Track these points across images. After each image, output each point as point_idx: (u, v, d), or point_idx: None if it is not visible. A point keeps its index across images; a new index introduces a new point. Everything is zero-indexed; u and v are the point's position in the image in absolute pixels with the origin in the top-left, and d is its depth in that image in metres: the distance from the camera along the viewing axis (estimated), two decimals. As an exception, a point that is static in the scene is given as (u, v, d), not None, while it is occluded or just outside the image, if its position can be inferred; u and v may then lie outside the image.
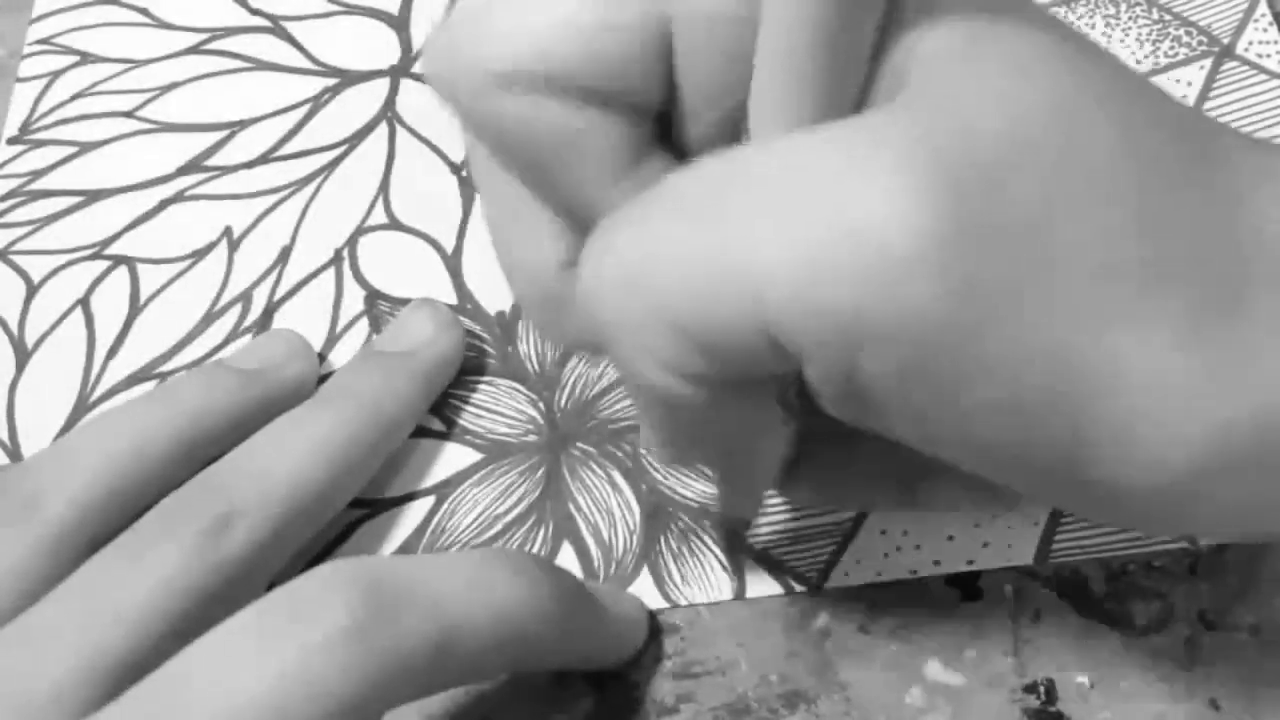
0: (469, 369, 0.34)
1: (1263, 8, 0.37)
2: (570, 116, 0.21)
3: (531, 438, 0.33)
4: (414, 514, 0.32)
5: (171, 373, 0.36)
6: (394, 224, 0.38)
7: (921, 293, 0.18)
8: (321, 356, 0.35)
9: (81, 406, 0.35)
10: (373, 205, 0.38)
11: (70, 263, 0.39)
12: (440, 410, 0.34)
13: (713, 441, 0.23)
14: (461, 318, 0.35)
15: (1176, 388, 0.18)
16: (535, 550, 0.31)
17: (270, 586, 0.25)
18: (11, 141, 0.42)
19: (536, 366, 0.34)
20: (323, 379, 0.34)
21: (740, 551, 0.30)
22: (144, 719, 0.23)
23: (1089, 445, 0.19)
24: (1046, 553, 0.29)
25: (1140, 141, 0.19)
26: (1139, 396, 0.18)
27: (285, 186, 0.39)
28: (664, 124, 0.22)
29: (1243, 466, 0.19)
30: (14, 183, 0.41)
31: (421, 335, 0.33)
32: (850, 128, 0.19)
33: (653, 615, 0.30)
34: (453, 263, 0.37)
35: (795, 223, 0.18)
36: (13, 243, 0.39)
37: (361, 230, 0.38)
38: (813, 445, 0.27)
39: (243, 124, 0.41)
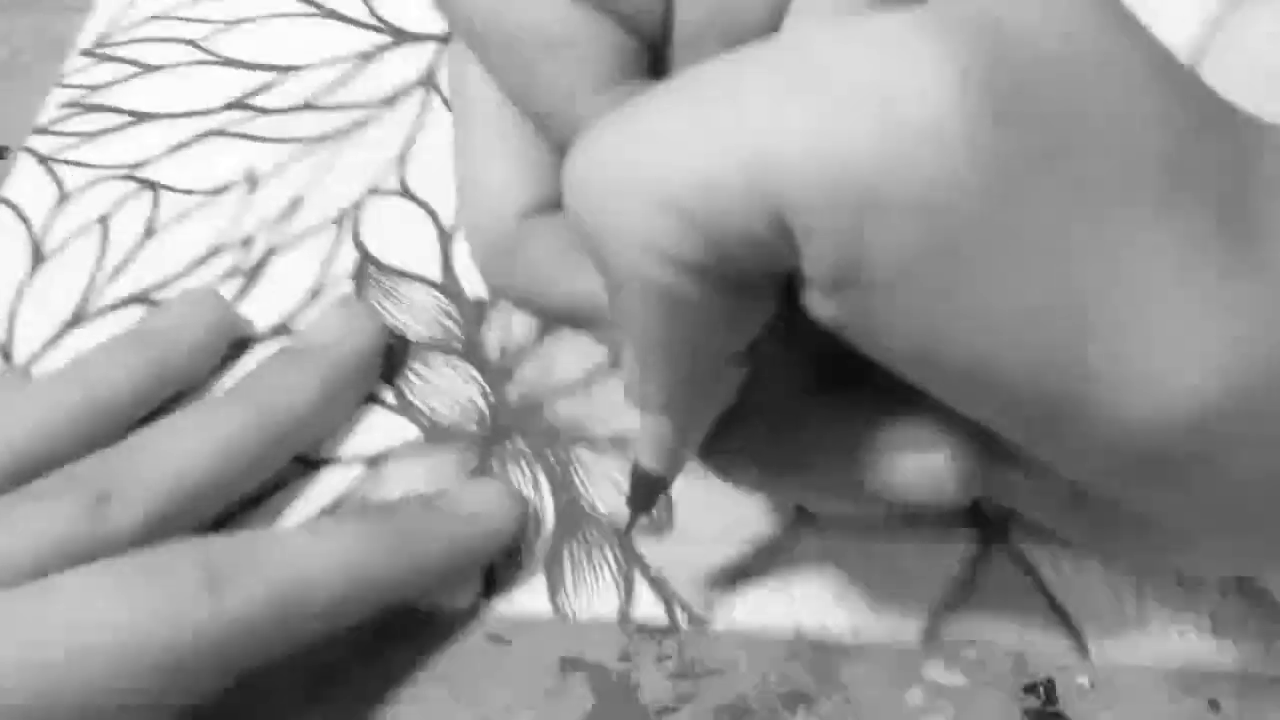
0: (434, 346, 0.35)
1: None
2: (568, 13, 0.21)
3: (473, 427, 0.34)
4: (341, 478, 0.33)
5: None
6: (404, 192, 0.39)
7: (946, 162, 0.17)
8: (302, 310, 0.37)
9: (77, 318, 0.37)
10: (388, 170, 0.39)
11: (102, 179, 0.41)
12: (394, 382, 0.35)
13: (693, 363, 0.22)
14: (440, 295, 0.36)
15: (1200, 313, 0.18)
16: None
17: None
18: (84, 54, 0.44)
19: (498, 355, 0.35)
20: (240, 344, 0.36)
21: (643, 508, 0.29)
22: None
23: (1099, 365, 0.18)
24: (936, 631, 0.29)
25: (1169, 82, 0.19)
26: (1160, 316, 0.18)
27: (314, 138, 0.41)
28: (656, 57, 0.22)
29: (1260, 411, 0.19)
30: (75, 94, 0.43)
31: (333, 333, 0.34)
32: (884, 14, 0.19)
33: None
34: (445, 239, 0.37)
35: (812, 90, 0.18)
36: (58, 150, 0.41)
37: (372, 192, 0.39)
38: (752, 410, 0.25)
39: (294, 69, 0.43)
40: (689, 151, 0.19)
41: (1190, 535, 0.23)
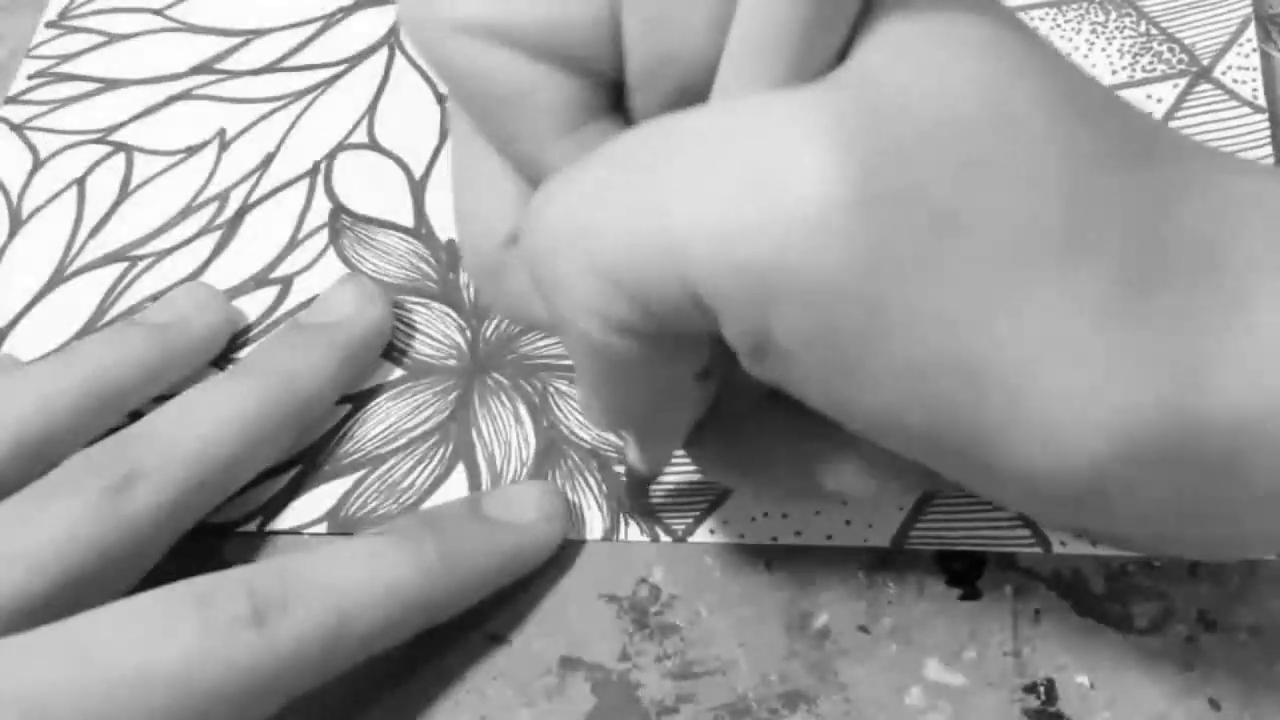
0: (409, 290, 0.36)
1: (1249, 33, 0.37)
2: (519, 68, 0.22)
3: (452, 362, 0.35)
4: (329, 417, 0.34)
5: (143, 257, 0.38)
6: (373, 145, 0.40)
7: (828, 256, 0.18)
8: (280, 261, 0.37)
9: (57, 277, 0.38)
10: (357, 125, 0.40)
11: (76, 144, 0.41)
12: (374, 326, 0.36)
13: (641, 399, 0.24)
14: (414, 240, 0.37)
15: (1091, 370, 0.19)
16: (430, 469, 0.33)
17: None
18: (49, 25, 0.45)
19: (471, 295, 0.36)
20: (243, 334, 0.36)
21: (638, 500, 0.32)
22: (49, 670, 0.24)
23: (997, 423, 0.19)
24: (904, 538, 0.30)
25: (1073, 130, 0.19)
26: (1051, 375, 0.19)
27: (283, 97, 0.41)
28: (619, 92, 0.23)
29: (1159, 459, 0.19)
30: (43, 64, 0.44)
31: (345, 309, 0.34)
32: (781, 97, 0.19)
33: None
34: (418, 188, 0.39)
35: (716, 183, 0.19)
36: (30, 119, 0.42)
37: (342, 147, 0.40)
38: (723, 415, 0.27)
39: (258, 33, 0.43)
40: (615, 228, 0.20)
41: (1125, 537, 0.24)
